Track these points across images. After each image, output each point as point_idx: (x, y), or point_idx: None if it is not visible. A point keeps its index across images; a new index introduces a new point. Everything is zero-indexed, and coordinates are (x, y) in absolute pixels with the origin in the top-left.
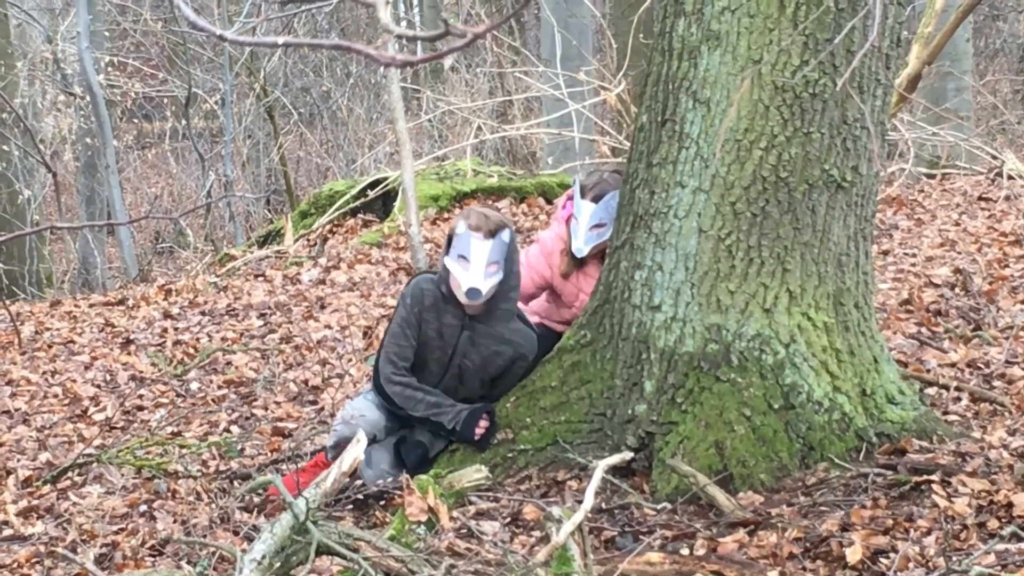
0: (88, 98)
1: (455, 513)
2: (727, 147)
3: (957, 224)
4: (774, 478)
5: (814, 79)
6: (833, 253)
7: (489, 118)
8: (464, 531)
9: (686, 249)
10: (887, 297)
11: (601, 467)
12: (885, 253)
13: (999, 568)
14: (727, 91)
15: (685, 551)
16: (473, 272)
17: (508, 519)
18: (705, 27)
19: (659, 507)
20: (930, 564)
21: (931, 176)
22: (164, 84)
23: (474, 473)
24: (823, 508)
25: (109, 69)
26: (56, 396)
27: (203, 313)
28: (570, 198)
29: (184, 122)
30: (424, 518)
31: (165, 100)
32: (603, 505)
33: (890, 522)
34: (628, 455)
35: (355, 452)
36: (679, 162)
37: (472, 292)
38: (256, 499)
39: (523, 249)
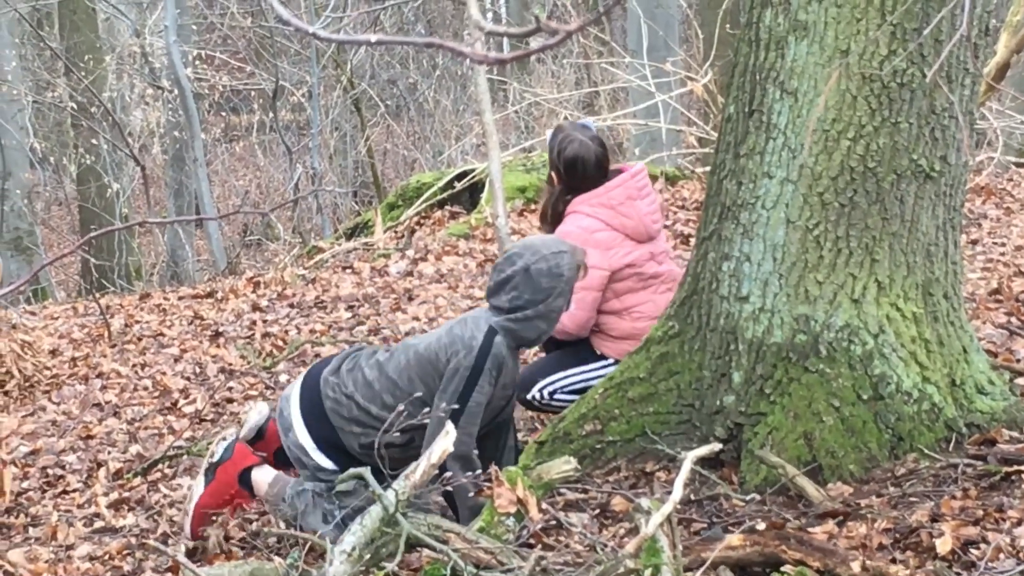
0: (176, 91)
1: (544, 504)
2: (815, 137)
3: None
4: (863, 469)
5: (902, 69)
6: (922, 243)
7: (576, 109)
8: (553, 522)
9: (774, 240)
10: (976, 287)
11: (690, 458)
12: (974, 243)
13: None
14: (814, 81)
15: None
16: None
17: (597, 510)
18: (792, 17)
19: (748, 498)
20: (1021, 555)
21: (1021, 165)
22: (251, 77)
23: (563, 465)
24: (913, 499)
25: (196, 63)
26: (146, 389)
27: (291, 305)
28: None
29: (272, 115)
30: (513, 510)
31: (252, 93)
32: (692, 496)
33: (980, 513)
34: (717, 446)
35: (444, 444)
36: (767, 152)
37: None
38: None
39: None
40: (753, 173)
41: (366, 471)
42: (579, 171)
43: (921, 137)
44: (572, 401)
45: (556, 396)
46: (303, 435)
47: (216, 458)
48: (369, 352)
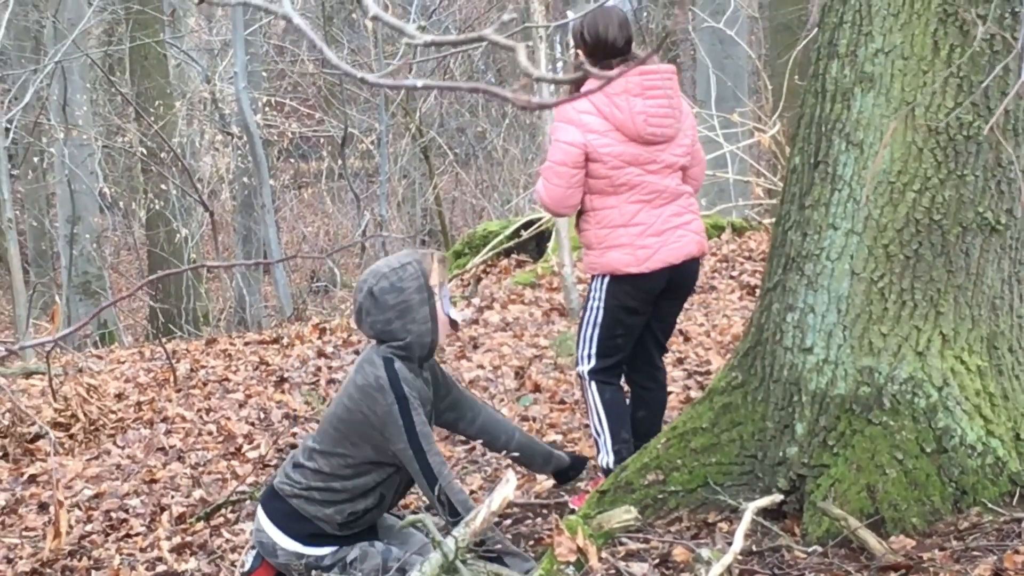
0: (245, 137)
1: (604, 554)
2: (880, 189)
3: None
4: (926, 522)
5: (968, 121)
6: (987, 296)
7: None
8: (613, 572)
9: (838, 291)
10: None
11: (751, 509)
12: None
13: None
14: (880, 133)
15: None
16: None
17: (657, 560)
18: (859, 69)
19: (810, 550)
20: None
21: None
22: (320, 124)
23: (624, 514)
24: (976, 553)
25: (266, 109)
26: (210, 433)
27: (356, 352)
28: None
29: (340, 162)
30: (573, 558)
31: (321, 140)
32: (753, 548)
33: None
34: (778, 497)
35: (505, 492)
36: (832, 204)
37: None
38: None
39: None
40: (818, 224)
41: (426, 517)
42: (602, 34)
43: (987, 190)
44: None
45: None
46: (288, 542)
47: (246, 568)
48: (299, 451)
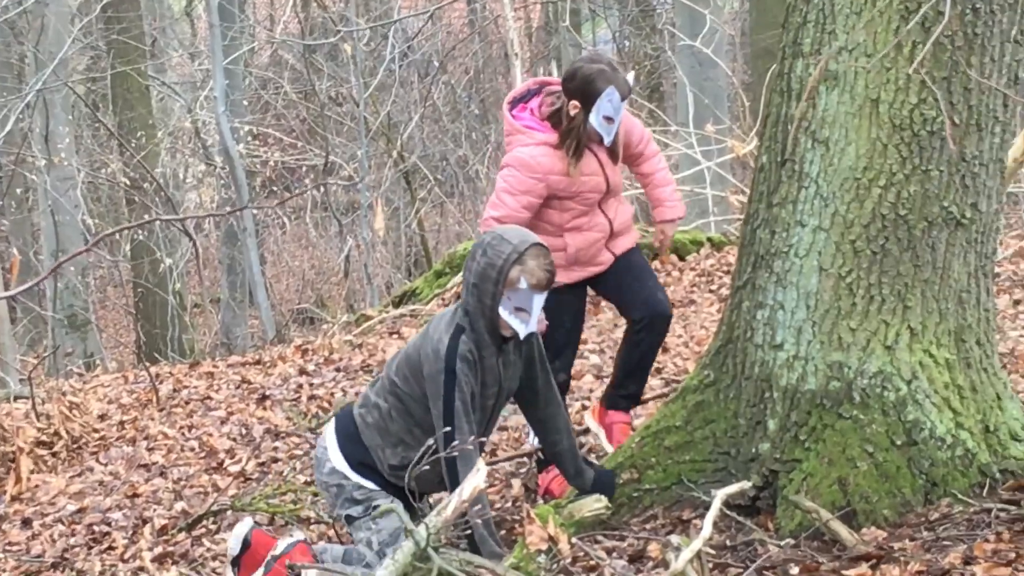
0: (227, 166)
1: (574, 540)
2: (846, 185)
3: None
4: (897, 514)
5: (931, 116)
6: (954, 290)
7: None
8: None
9: (807, 288)
10: (1016, 343)
11: (720, 496)
12: (1017, 303)
13: None
14: (846, 130)
15: None
16: (531, 322)
17: (632, 557)
18: (823, 67)
19: (783, 543)
20: None
21: None
22: (304, 155)
23: (594, 503)
24: (946, 542)
25: (249, 139)
26: (192, 449)
27: (338, 369)
28: (519, 104)
29: (322, 189)
30: (544, 546)
31: (304, 168)
32: (728, 542)
33: (1013, 555)
34: (747, 484)
35: (475, 481)
36: (799, 201)
37: (528, 337)
38: None
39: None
40: (786, 222)
41: (398, 505)
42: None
43: (952, 184)
44: None
45: None
46: (339, 460)
47: (278, 551)
48: (375, 382)
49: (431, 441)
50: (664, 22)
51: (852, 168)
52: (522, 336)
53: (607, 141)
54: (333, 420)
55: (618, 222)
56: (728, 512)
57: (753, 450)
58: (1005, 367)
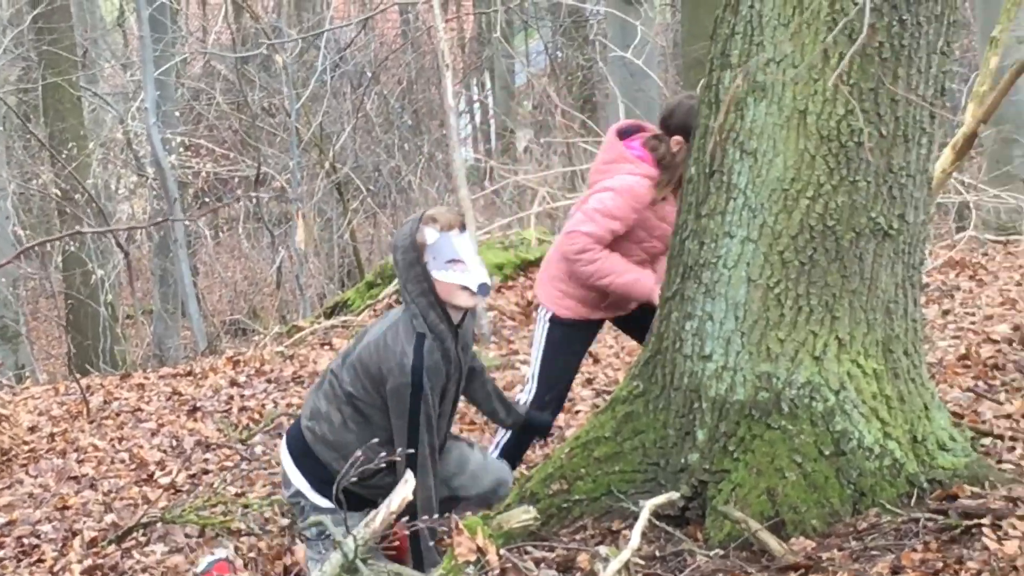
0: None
1: (503, 552)
2: (774, 197)
3: (1019, 284)
4: (826, 524)
5: (859, 128)
6: (881, 300)
7: (558, 188)
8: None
9: (736, 298)
10: (945, 353)
11: (648, 507)
12: (946, 313)
13: None
14: (773, 141)
15: None
16: (473, 268)
17: (561, 567)
18: (751, 79)
19: (712, 553)
20: None
21: (998, 241)
22: (236, 166)
23: (523, 514)
24: (874, 552)
25: (181, 150)
26: (123, 462)
27: (269, 381)
28: (633, 135)
29: (254, 200)
30: (473, 558)
31: (236, 179)
32: (657, 553)
33: (940, 565)
34: (675, 495)
35: (404, 492)
36: (727, 212)
37: (483, 288)
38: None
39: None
40: (714, 233)
41: (326, 518)
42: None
43: (879, 195)
44: None
45: None
46: (298, 479)
47: (200, 569)
48: (317, 393)
49: (390, 451)
50: (596, 33)
51: (780, 179)
52: (475, 287)
53: None
54: (284, 440)
55: (659, 280)
56: (657, 523)
57: (682, 461)
58: (934, 377)
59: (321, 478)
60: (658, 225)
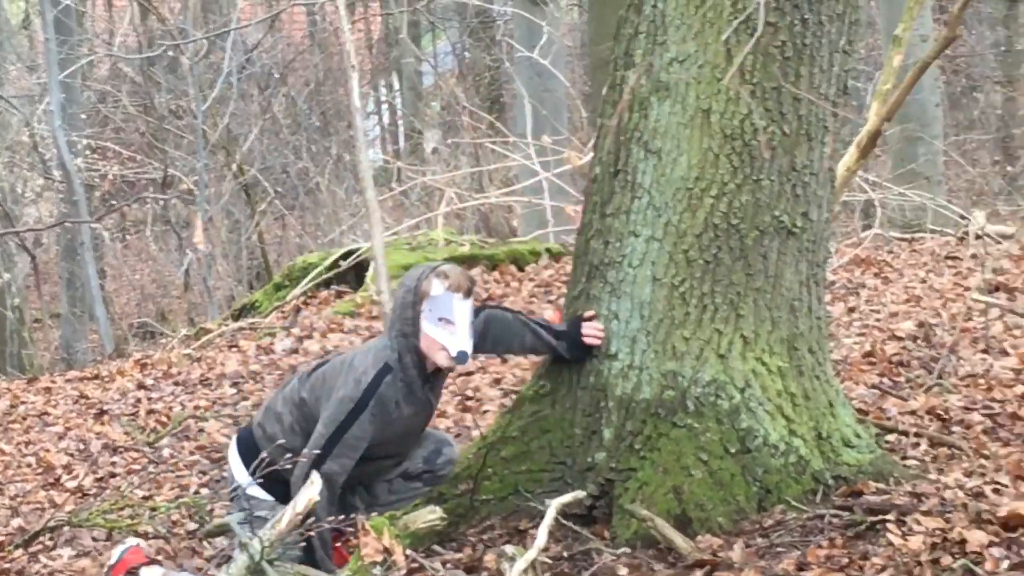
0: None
1: (410, 552)
2: (678, 196)
3: (924, 281)
4: (731, 521)
5: (762, 126)
6: (786, 298)
7: (466, 189)
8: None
9: (641, 297)
10: (850, 350)
11: (554, 506)
12: (851, 310)
13: None
14: (678, 141)
15: None
16: (460, 334)
17: (468, 568)
18: (655, 78)
19: (619, 552)
20: None
21: (903, 239)
22: (143, 169)
23: (428, 514)
24: (780, 549)
25: (88, 152)
26: (29, 466)
27: (176, 383)
28: None
29: (161, 203)
30: (380, 558)
31: (144, 182)
32: (564, 552)
33: (845, 560)
34: (581, 494)
35: (309, 493)
36: (632, 212)
37: (461, 355)
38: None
39: None
40: (619, 232)
41: (232, 519)
42: None
43: (783, 194)
44: None
45: None
46: (240, 471)
47: (112, 561)
48: (281, 393)
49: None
50: (503, 34)
51: (684, 178)
52: (454, 353)
53: None
54: (234, 440)
55: None
56: (564, 522)
57: (589, 460)
58: (839, 374)
59: (266, 475)
60: None
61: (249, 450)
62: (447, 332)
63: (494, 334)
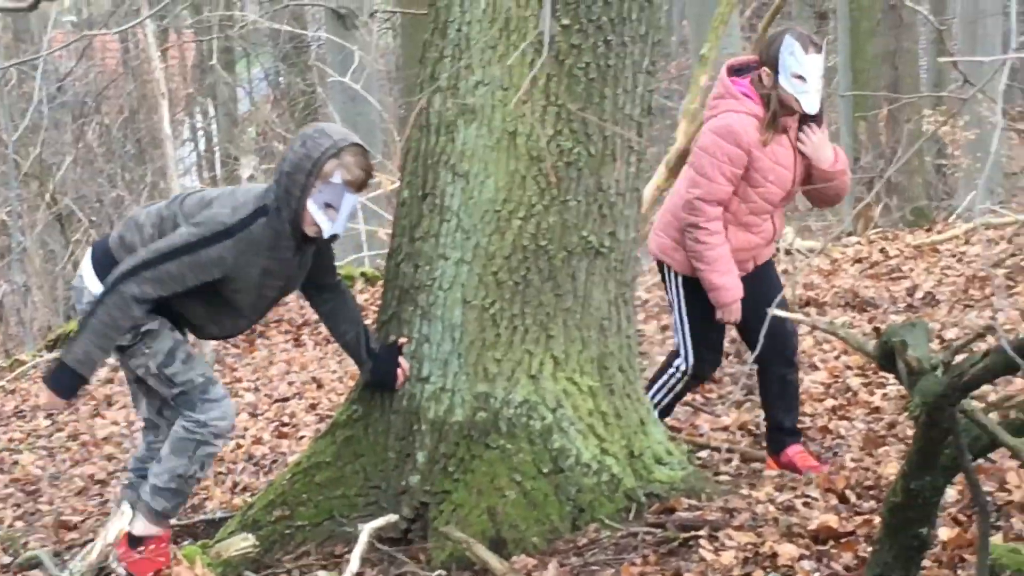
0: None
1: None
2: (487, 218)
3: None
4: (546, 541)
5: (567, 148)
6: (595, 318)
7: None
8: None
9: (452, 320)
10: None
11: (367, 530)
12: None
13: None
14: (485, 163)
15: None
16: (339, 222)
17: None
18: (461, 101)
19: (435, 574)
20: None
21: None
22: None
23: (241, 542)
24: (594, 567)
25: None
26: None
27: None
28: (745, 72)
29: None
30: None
31: None
32: (379, 575)
33: None
34: (394, 517)
35: (120, 524)
36: (441, 235)
37: (332, 238)
38: None
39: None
40: (429, 255)
41: (43, 553)
42: None
43: (590, 214)
44: None
45: None
46: (95, 286)
47: None
48: (154, 208)
49: None
50: (316, 58)
51: (492, 200)
52: (326, 235)
53: (806, 106)
54: (89, 251)
55: (776, 234)
56: (380, 545)
57: (403, 483)
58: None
59: None
60: (772, 168)
61: (106, 256)
62: (327, 217)
63: (333, 306)
